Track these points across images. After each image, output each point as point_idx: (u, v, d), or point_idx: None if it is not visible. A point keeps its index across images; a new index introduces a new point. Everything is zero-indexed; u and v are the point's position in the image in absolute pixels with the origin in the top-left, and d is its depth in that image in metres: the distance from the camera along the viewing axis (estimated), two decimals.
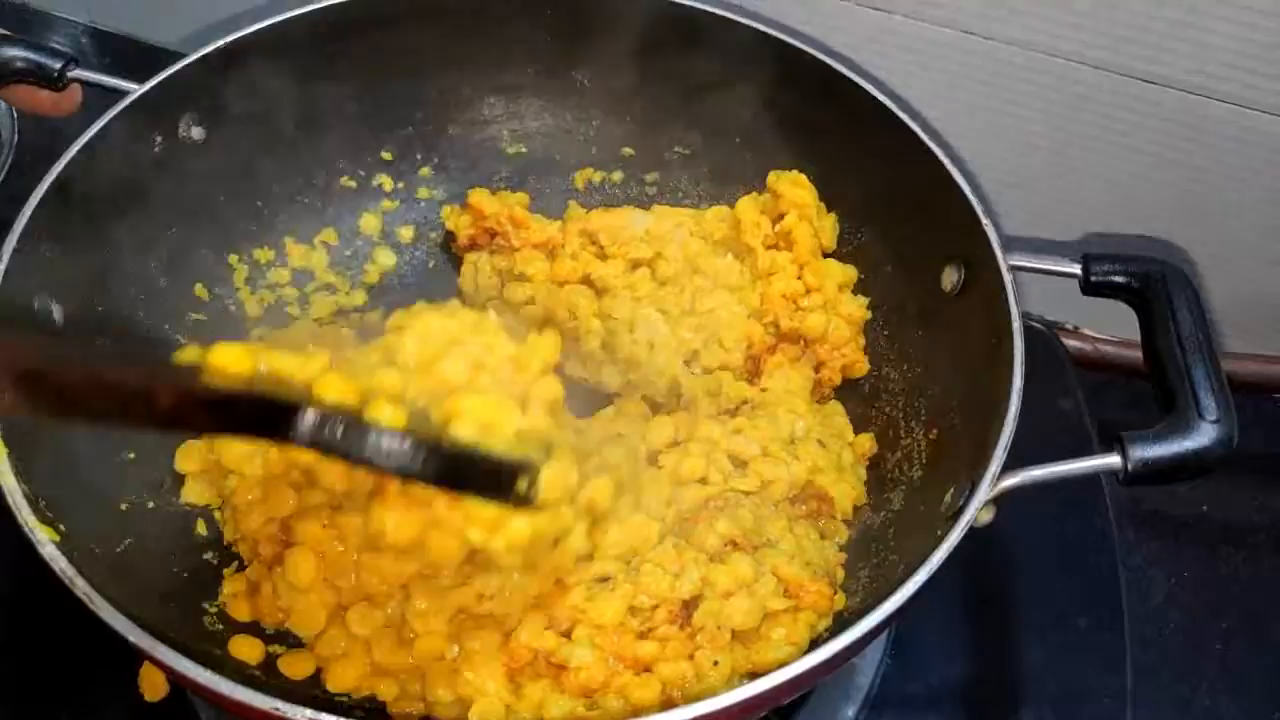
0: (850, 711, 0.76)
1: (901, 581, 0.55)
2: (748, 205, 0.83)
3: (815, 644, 0.63)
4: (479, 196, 0.86)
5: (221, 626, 0.65)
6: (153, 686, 0.70)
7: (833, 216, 0.83)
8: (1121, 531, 0.87)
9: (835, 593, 0.65)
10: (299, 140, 0.86)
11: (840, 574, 0.69)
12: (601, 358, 0.80)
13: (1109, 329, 0.99)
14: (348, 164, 0.89)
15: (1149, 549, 0.89)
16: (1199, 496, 0.93)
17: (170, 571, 0.66)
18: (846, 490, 0.72)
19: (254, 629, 0.65)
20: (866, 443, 0.76)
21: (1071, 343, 0.98)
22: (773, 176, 0.83)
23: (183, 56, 0.76)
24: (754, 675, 0.59)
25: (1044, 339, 0.96)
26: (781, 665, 0.54)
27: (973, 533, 0.59)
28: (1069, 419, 0.91)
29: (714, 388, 0.77)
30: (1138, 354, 0.94)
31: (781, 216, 0.81)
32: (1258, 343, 0.95)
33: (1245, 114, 0.80)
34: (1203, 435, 0.59)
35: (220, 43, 0.77)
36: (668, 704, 0.60)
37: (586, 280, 0.81)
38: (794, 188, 0.81)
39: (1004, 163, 0.89)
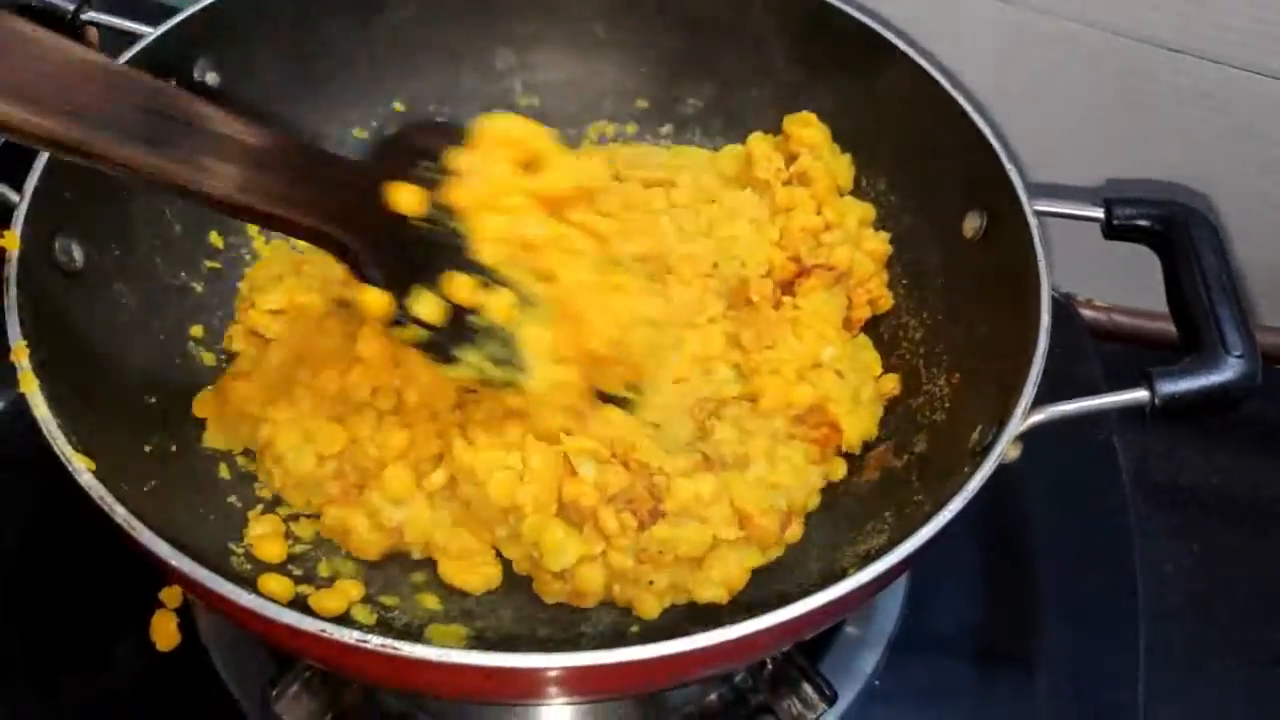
0: (871, 659, 0.77)
1: (931, 515, 0.56)
2: (759, 140, 0.84)
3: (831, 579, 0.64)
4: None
5: (249, 566, 0.65)
6: (165, 635, 0.70)
7: (847, 157, 0.83)
8: (1134, 502, 0.88)
9: (786, 528, 0.67)
10: (311, 90, 0.85)
11: (814, 502, 0.71)
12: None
13: (1120, 296, 0.99)
14: (360, 114, 0.88)
15: (1160, 520, 0.90)
16: (1210, 468, 0.94)
17: (196, 513, 0.66)
18: (857, 424, 0.73)
19: (282, 569, 0.65)
20: (891, 383, 0.77)
21: (1086, 313, 0.99)
22: (785, 119, 0.83)
23: (186, 7, 0.75)
24: (690, 604, 0.64)
25: (1059, 308, 0.96)
26: (712, 604, 0.61)
27: (990, 490, 0.58)
28: (1084, 386, 0.90)
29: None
30: (1153, 324, 0.97)
31: (795, 158, 0.81)
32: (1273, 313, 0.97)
33: (1262, 81, 0.80)
34: (1228, 370, 0.60)
35: None
36: (608, 596, 0.65)
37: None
38: (805, 128, 0.82)
39: (1025, 115, 0.89)
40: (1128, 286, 0.95)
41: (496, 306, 0.60)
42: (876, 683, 0.77)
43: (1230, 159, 0.86)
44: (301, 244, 0.71)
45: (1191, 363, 0.60)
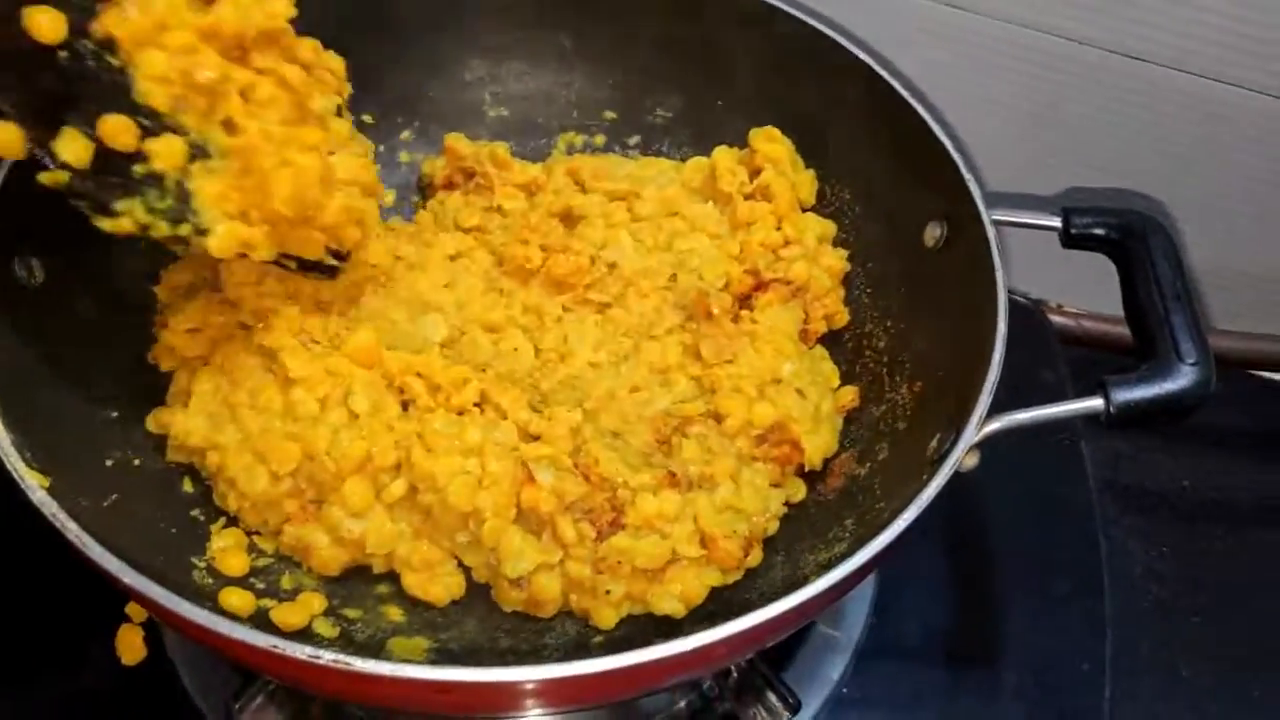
0: (837, 667, 0.77)
1: (888, 522, 0.56)
2: (724, 154, 0.84)
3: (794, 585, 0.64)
4: (455, 139, 0.87)
5: (211, 580, 0.64)
6: (131, 649, 0.70)
7: (811, 173, 0.84)
8: (1101, 505, 0.89)
9: (748, 553, 0.67)
10: None
11: (773, 527, 0.70)
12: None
13: (1084, 301, 1.00)
14: None
15: (1128, 523, 0.91)
16: (1178, 471, 0.95)
17: (158, 527, 0.66)
18: (819, 442, 0.73)
19: (243, 583, 0.65)
20: (849, 395, 0.77)
21: (1056, 319, 1.00)
22: (751, 133, 0.84)
23: None
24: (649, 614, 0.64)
25: (1028, 313, 0.98)
26: (669, 617, 0.61)
27: (955, 496, 0.59)
28: (1051, 390, 0.92)
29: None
30: (1122, 330, 0.98)
31: (760, 171, 0.82)
32: (1238, 318, 0.97)
33: (1216, 87, 0.81)
34: (1182, 378, 0.60)
35: None
36: (566, 606, 0.66)
37: (566, 212, 0.82)
38: (769, 143, 0.82)
39: (984, 123, 0.90)
40: (1097, 292, 0.95)
41: (163, 153, 0.55)
42: (844, 690, 0.77)
43: (1187, 164, 0.87)
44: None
45: (1146, 371, 0.61)
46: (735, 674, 0.71)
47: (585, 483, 0.65)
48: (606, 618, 0.65)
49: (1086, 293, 1.00)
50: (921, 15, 0.86)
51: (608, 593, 0.64)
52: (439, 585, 0.66)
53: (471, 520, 0.64)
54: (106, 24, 0.53)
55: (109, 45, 0.53)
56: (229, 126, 0.58)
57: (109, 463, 0.66)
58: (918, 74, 0.85)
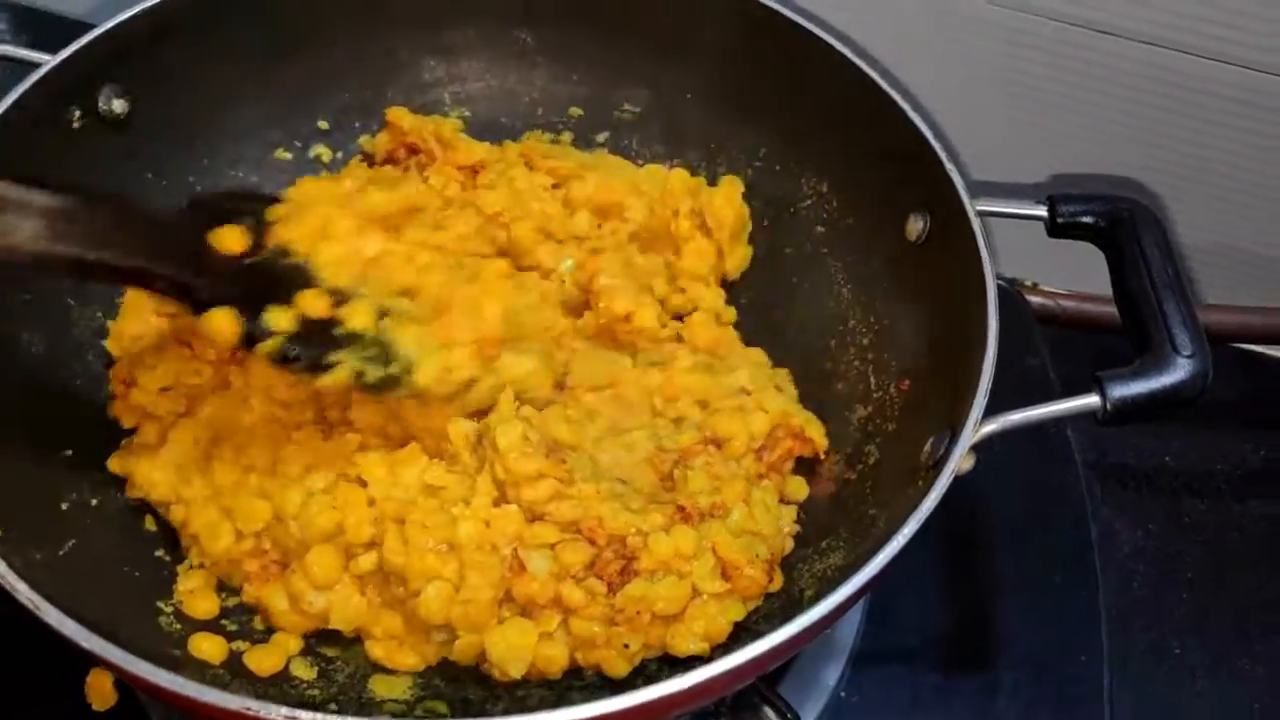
0: (833, 673, 0.75)
1: (889, 535, 0.54)
2: (681, 178, 0.82)
3: (795, 608, 0.62)
4: (397, 113, 0.83)
5: (179, 626, 0.61)
6: (101, 695, 0.66)
7: (749, 249, 0.82)
8: (1088, 485, 0.87)
9: (771, 578, 0.64)
10: (228, 110, 0.81)
11: (789, 545, 0.68)
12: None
13: (1069, 284, 0.99)
14: (282, 134, 0.85)
15: (1114, 501, 0.90)
16: (1160, 447, 0.94)
17: (120, 571, 0.62)
18: (816, 426, 0.72)
19: (214, 626, 0.62)
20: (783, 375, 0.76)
21: (1033, 299, 0.98)
22: (725, 178, 0.83)
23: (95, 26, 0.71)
24: (666, 658, 0.61)
25: (1007, 296, 0.96)
26: (692, 658, 0.57)
27: (949, 485, 0.57)
28: (1035, 374, 0.91)
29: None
30: (1100, 308, 0.97)
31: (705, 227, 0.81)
32: (1218, 292, 0.96)
33: (1204, 64, 0.80)
34: (1179, 370, 0.58)
35: (139, 8, 0.73)
36: (572, 666, 0.61)
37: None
38: (726, 204, 0.80)
39: (965, 110, 0.88)
40: (1073, 270, 0.94)
41: (355, 316, 0.60)
42: (842, 694, 0.75)
43: (1168, 141, 0.86)
44: None
45: (1142, 364, 0.59)
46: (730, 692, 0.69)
47: (591, 546, 0.61)
48: (620, 668, 0.61)
49: (1063, 271, 0.99)
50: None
51: (626, 646, 0.60)
52: (412, 655, 0.62)
53: (444, 630, 0.60)
54: (279, 235, 0.60)
55: (286, 250, 0.60)
56: (404, 289, 0.64)
57: (64, 505, 0.63)
58: (894, 59, 0.82)
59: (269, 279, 0.59)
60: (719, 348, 0.76)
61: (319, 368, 0.59)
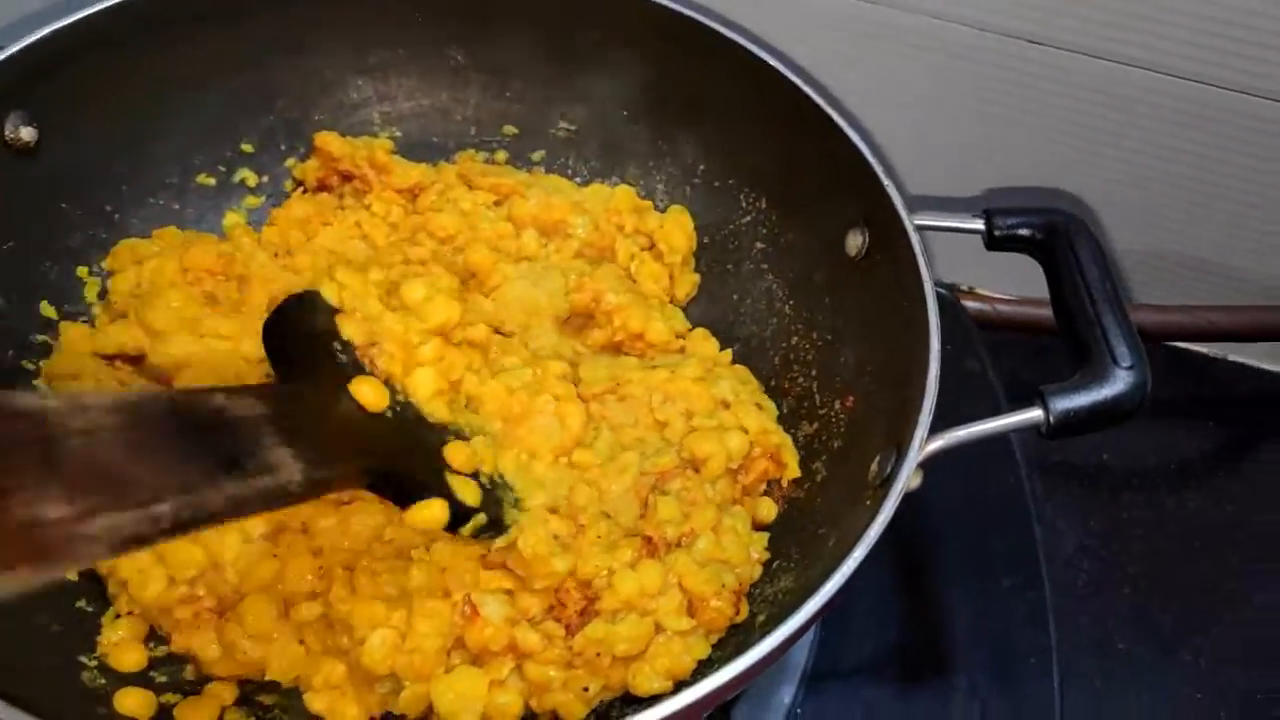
0: (788, 692, 0.74)
1: (839, 558, 0.54)
2: (626, 195, 0.82)
3: (748, 634, 0.61)
4: (325, 138, 0.81)
5: (104, 681, 0.58)
6: None
7: (696, 277, 0.82)
8: (1030, 486, 0.88)
9: (738, 609, 0.63)
10: (146, 135, 0.78)
11: (757, 572, 0.67)
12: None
13: (1005, 288, 0.99)
14: (204, 159, 0.82)
15: (1056, 501, 0.91)
16: (1099, 445, 0.95)
17: (37, 625, 0.59)
18: (791, 450, 0.71)
19: (142, 679, 0.59)
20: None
21: (970, 304, 0.99)
22: (671, 209, 0.83)
23: None
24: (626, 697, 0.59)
25: (945, 301, 0.96)
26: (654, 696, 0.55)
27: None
28: (977, 379, 0.91)
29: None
30: (1036, 311, 0.98)
31: (652, 245, 0.81)
32: (1146, 293, 0.98)
33: (1133, 73, 0.81)
34: (1119, 382, 0.59)
35: (45, 31, 0.69)
36: (526, 714, 0.59)
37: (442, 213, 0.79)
38: (677, 230, 0.80)
39: (900, 123, 0.88)
40: (1010, 274, 0.95)
41: (481, 455, 0.63)
42: (798, 712, 0.75)
43: (1100, 149, 0.87)
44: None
45: (1082, 378, 0.59)
46: None
47: (552, 594, 0.59)
48: (578, 713, 0.58)
49: (1003, 279, 1.00)
50: (829, 10, 0.83)
51: (585, 689, 0.58)
52: (354, 706, 0.58)
53: (389, 680, 0.58)
54: (383, 366, 0.62)
55: (394, 386, 0.63)
56: (470, 404, 0.65)
57: None
58: (828, 73, 0.82)
59: (406, 437, 0.60)
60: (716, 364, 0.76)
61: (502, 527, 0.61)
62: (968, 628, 0.80)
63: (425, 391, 0.63)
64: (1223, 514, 0.92)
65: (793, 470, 0.71)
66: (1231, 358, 1.00)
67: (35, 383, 0.69)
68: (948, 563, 0.84)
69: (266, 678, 0.59)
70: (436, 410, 0.63)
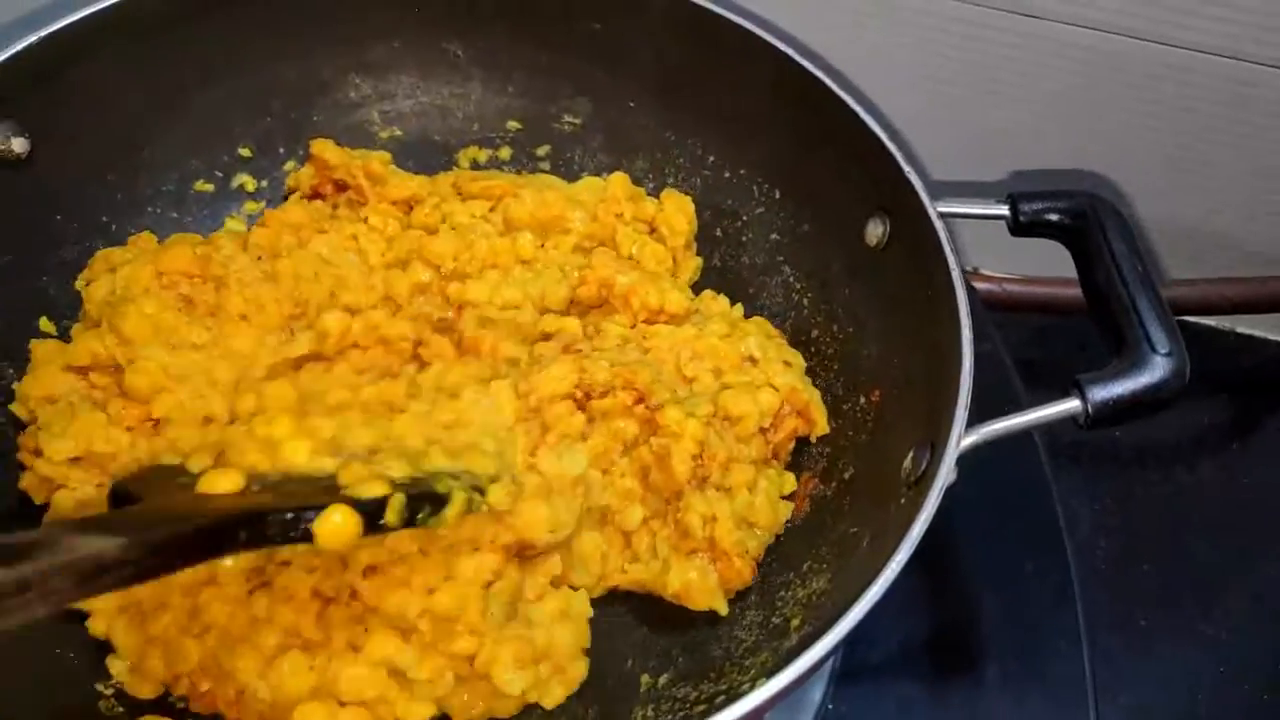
0: (818, 690, 0.73)
1: (881, 561, 0.52)
2: (621, 182, 0.80)
3: (783, 637, 0.60)
4: (321, 145, 0.79)
5: (122, 709, 0.57)
6: None
7: (699, 260, 0.81)
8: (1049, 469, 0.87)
9: (753, 571, 0.64)
10: (141, 143, 0.76)
11: (762, 543, 0.67)
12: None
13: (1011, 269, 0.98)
14: (201, 164, 0.80)
15: (1069, 481, 0.90)
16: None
17: (52, 654, 0.57)
18: (820, 408, 0.71)
19: (161, 705, 0.57)
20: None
21: (979, 285, 0.97)
22: (664, 192, 0.81)
23: None
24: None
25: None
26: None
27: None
28: (990, 361, 0.90)
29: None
30: (1044, 290, 0.97)
31: (654, 229, 0.79)
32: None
33: (1156, 49, 0.79)
34: (1158, 369, 0.57)
35: (33, 38, 0.67)
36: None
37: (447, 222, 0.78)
38: (677, 213, 0.79)
39: (916, 106, 0.86)
40: (1017, 254, 0.94)
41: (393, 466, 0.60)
42: (829, 707, 0.73)
43: (1123, 122, 0.85)
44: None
45: (1119, 365, 0.58)
46: None
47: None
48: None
49: (1008, 261, 0.99)
50: None
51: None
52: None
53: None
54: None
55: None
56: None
57: None
58: (841, 58, 0.80)
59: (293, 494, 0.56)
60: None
61: (437, 510, 0.58)
62: (995, 615, 0.79)
63: (300, 459, 0.59)
64: (1238, 486, 0.92)
65: (821, 427, 0.71)
66: (1240, 330, 1.00)
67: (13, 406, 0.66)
68: (970, 550, 0.82)
69: None
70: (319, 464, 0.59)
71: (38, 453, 0.63)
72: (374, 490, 0.55)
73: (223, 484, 0.53)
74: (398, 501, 0.55)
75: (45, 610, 0.40)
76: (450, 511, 0.58)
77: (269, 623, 0.58)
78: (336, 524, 0.52)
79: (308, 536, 0.52)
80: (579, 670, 0.62)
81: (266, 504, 0.52)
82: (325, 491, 0.55)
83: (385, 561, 0.60)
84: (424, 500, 0.57)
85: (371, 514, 0.54)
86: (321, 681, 0.57)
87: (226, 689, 0.57)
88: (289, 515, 0.52)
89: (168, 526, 0.47)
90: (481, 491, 0.61)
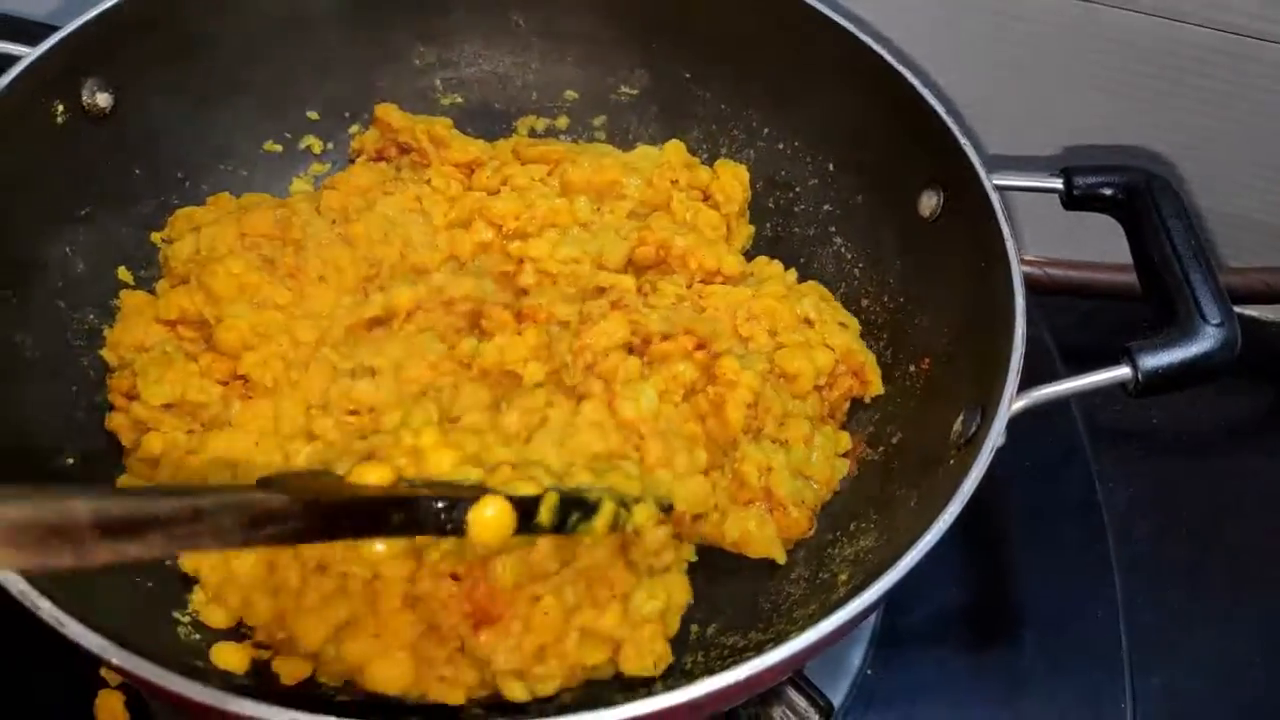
0: (858, 652, 0.74)
1: (931, 516, 0.54)
2: (676, 149, 0.82)
3: (830, 591, 0.61)
4: (386, 109, 0.81)
5: (198, 636, 0.59)
6: (111, 715, 0.64)
7: (751, 227, 0.82)
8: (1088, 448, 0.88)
9: (811, 525, 0.66)
10: (215, 103, 0.78)
11: (827, 495, 0.69)
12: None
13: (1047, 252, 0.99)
14: (271, 126, 0.82)
15: (1107, 462, 0.91)
16: (1147, 407, 0.94)
17: (133, 582, 0.60)
18: (875, 370, 0.72)
19: (235, 634, 0.60)
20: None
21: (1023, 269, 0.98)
22: (719, 162, 0.82)
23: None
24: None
25: None
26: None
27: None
28: (1033, 343, 0.88)
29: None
30: (1084, 275, 0.97)
31: (708, 196, 0.80)
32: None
33: (1207, 34, 0.79)
34: (1208, 339, 0.58)
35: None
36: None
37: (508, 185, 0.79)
38: (733, 180, 0.80)
39: (973, 81, 0.87)
40: (1057, 238, 0.94)
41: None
42: (869, 672, 0.75)
43: (1179, 109, 0.85)
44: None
45: (1170, 334, 0.59)
46: None
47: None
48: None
49: (1047, 239, 0.99)
50: None
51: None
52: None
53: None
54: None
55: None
56: None
57: None
58: (897, 32, 0.81)
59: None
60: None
61: (587, 517, 0.59)
62: (1034, 586, 0.80)
63: (445, 467, 0.60)
64: (1277, 473, 0.91)
65: (875, 387, 0.72)
66: None
67: (103, 352, 0.69)
68: (1009, 522, 0.84)
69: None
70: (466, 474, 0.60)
71: (130, 396, 0.66)
72: (528, 489, 0.56)
73: (373, 476, 0.53)
74: (552, 499, 0.56)
75: (212, 545, 0.42)
76: (599, 521, 0.58)
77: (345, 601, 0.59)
78: (491, 517, 0.52)
79: (460, 529, 0.52)
80: (674, 626, 0.64)
81: (422, 490, 0.53)
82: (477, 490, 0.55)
83: (514, 586, 0.59)
84: (575, 505, 0.57)
85: (526, 511, 0.54)
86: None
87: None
88: (444, 503, 0.52)
89: (332, 495, 0.49)
90: (627, 507, 0.61)
